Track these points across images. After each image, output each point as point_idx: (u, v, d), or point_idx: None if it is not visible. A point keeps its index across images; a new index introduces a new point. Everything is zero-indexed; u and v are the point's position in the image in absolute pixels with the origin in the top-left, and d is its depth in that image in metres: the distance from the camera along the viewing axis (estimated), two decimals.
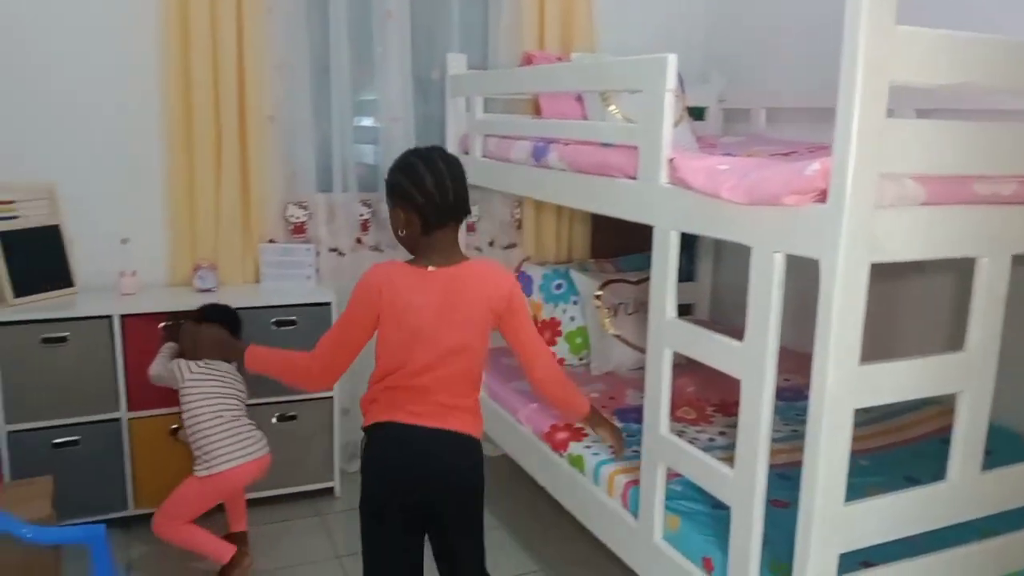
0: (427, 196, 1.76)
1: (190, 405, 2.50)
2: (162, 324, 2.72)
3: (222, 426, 2.50)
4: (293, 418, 3.02)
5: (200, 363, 2.54)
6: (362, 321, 1.80)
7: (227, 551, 2.50)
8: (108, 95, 2.94)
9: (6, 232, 2.75)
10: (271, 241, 3.16)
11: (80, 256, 2.95)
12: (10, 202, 2.79)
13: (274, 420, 2.97)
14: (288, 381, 1.92)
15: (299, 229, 3.27)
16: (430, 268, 1.81)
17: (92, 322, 2.74)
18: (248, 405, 2.65)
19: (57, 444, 2.73)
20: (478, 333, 1.84)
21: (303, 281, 3.16)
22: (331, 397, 3.10)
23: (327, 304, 3.04)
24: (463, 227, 1.94)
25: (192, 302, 2.78)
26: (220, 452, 2.47)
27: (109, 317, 2.74)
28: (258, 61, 3.01)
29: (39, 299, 2.79)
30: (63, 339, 2.69)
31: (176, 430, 2.77)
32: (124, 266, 2.93)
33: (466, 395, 1.88)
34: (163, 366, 2.57)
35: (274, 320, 2.92)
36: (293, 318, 2.94)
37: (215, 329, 2.19)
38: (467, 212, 1.85)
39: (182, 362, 2.53)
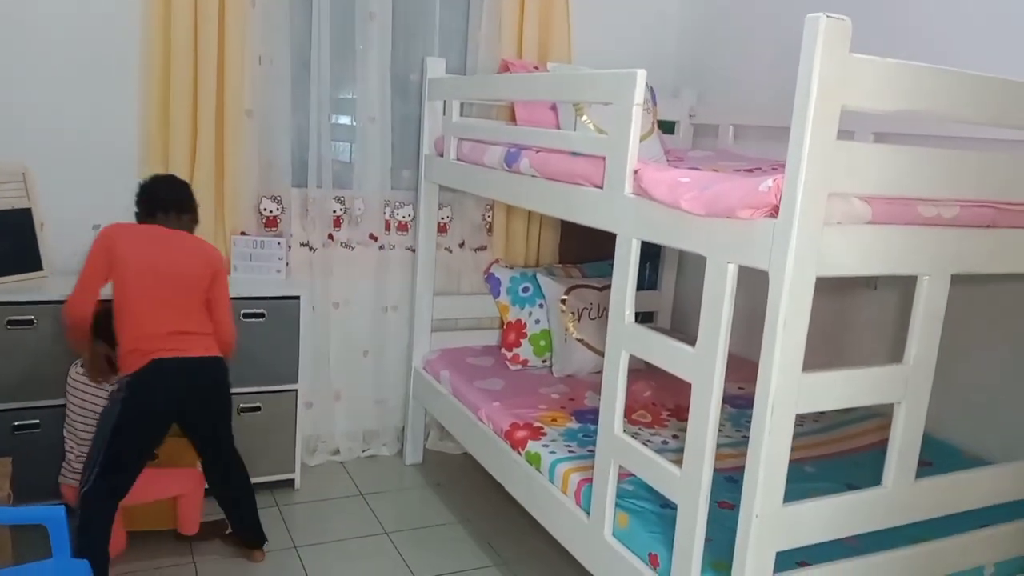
0: (147, 197, 2.53)
1: None
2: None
3: (68, 439, 2.60)
4: (256, 409, 3.05)
5: (77, 372, 2.57)
6: (101, 268, 2.38)
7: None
8: (86, 80, 2.95)
9: None
10: (243, 234, 3.18)
11: (50, 240, 2.96)
12: None
13: (237, 411, 2.99)
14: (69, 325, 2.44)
15: (272, 223, 3.30)
16: (154, 225, 2.47)
17: (59, 306, 2.72)
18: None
19: (17, 427, 2.73)
20: (197, 286, 2.47)
21: (273, 274, 3.19)
22: (295, 390, 3.13)
23: (296, 298, 3.07)
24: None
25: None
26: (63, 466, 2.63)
27: None
28: (239, 54, 3.04)
29: (6, 281, 2.79)
30: (29, 322, 2.70)
31: None
32: None
33: (201, 325, 2.49)
34: None
35: (243, 312, 2.94)
36: (262, 311, 2.97)
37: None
38: (181, 209, 2.55)
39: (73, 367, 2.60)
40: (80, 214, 2.97)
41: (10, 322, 2.67)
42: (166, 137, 3.01)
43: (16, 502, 2.38)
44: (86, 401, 2.53)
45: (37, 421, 2.75)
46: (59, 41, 2.90)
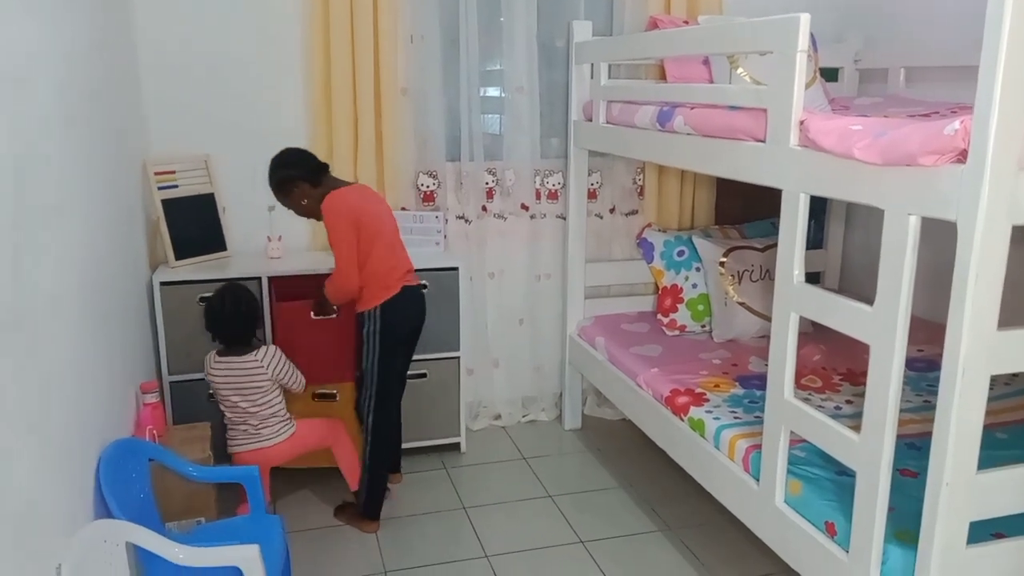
0: (302, 164, 2.67)
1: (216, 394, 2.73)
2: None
3: (236, 419, 2.69)
4: (423, 376, 3.18)
5: (216, 360, 2.66)
6: (354, 240, 2.59)
7: None
8: (256, 75, 3.15)
9: (168, 200, 3.02)
10: (403, 209, 3.30)
11: (231, 222, 3.20)
12: (172, 172, 3.05)
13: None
14: (345, 300, 2.73)
15: (429, 197, 3.40)
16: (355, 185, 2.75)
17: (243, 283, 2.95)
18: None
19: (212, 394, 2.96)
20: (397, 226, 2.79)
21: (432, 247, 3.29)
22: (457, 357, 3.23)
23: (455, 269, 3.16)
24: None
25: (330, 265, 2.95)
26: (231, 437, 2.72)
27: (259, 278, 2.96)
28: (392, 35, 3.14)
29: (197, 261, 3.05)
30: None
31: (317, 394, 2.97)
32: (270, 232, 3.16)
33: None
34: None
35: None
36: (424, 282, 3.07)
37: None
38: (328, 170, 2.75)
39: (209, 355, 2.69)
40: (256, 197, 3.17)
41: (202, 298, 2.90)
42: (329, 120, 3.16)
43: (214, 463, 2.61)
44: (230, 377, 2.66)
45: None
46: (229, 38, 3.10)
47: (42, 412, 1.60)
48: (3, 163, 1.48)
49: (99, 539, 1.76)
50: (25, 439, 1.49)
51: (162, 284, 2.87)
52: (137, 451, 2.18)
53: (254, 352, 2.65)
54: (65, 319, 1.80)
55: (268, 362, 2.65)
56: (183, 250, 3.03)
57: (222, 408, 2.70)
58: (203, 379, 2.92)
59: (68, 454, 1.76)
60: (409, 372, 2.99)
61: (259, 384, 2.66)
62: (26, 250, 1.56)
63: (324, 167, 2.72)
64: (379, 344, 2.69)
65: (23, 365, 1.50)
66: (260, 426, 2.70)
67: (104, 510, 1.89)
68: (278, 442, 2.72)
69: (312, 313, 2.87)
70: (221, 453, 2.74)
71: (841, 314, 1.79)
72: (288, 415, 2.76)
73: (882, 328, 1.65)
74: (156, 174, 3.00)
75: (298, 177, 2.64)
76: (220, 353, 2.67)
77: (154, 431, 2.44)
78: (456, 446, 3.36)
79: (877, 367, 1.67)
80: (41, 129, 1.73)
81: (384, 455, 2.81)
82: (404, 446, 3.15)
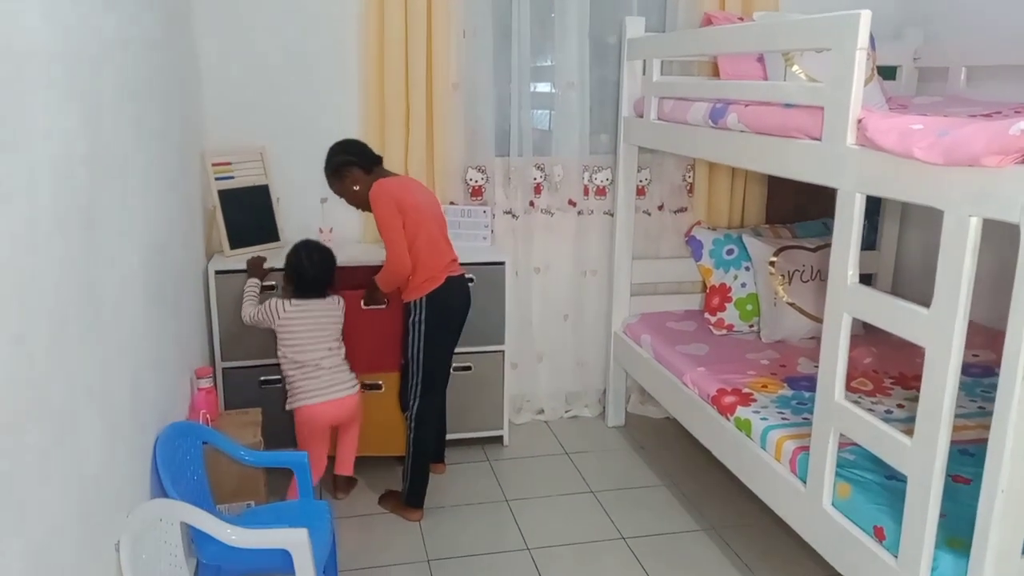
0: (359, 153, 2.77)
1: (283, 343, 2.75)
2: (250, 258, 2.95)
3: (310, 364, 2.74)
4: (468, 369, 3.20)
5: (292, 302, 2.73)
6: (400, 225, 2.64)
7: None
8: (311, 70, 3.20)
9: (224, 191, 3.08)
10: (452, 203, 3.32)
11: (285, 213, 3.25)
12: (227, 164, 3.12)
13: (452, 370, 3.14)
14: (397, 285, 2.76)
15: (477, 192, 3.42)
16: (401, 176, 2.87)
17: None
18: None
19: (264, 381, 3.04)
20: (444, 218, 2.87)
21: (479, 241, 3.32)
22: (502, 351, 3.25)
23: (501, 263, 3.18)
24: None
25: (380, 258, 2.99)
26: (302, 389, 2.75)
27: None
28: (445, 30, 3.16)
29: (251, 251, 3.10)
30: (271, 287, 2.98)
31: (364, 385, 3.00)
32: (323, 223, 3.21)
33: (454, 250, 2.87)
34: (256, 310, 2.78)
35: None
36: (471, 276, 3.09)
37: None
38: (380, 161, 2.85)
39: (275, 302, 2.74)
40: (309, 189, 3.23)
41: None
42: (382, 113, 3.20)
43: (265, 448, 2.66)
44: (308, 318, 2.74)
45: (278, 377, 3.04)
46: (286, 33, 3.16)
47: (105, 394, 1.66)
48: (77, 150, 1.53)
49: (155, 518, 1.82)
50: (89, 420, 1.55)
51: (217, 272, 2.94)
52: (192, 434, 2.24)
53: (332, 296, 2.80)
54: (128, 303, 1.86)
55: (343, 309, 2.81)
56: (238, 239, 3.09)
57: (288, 357, 2.76)
58: (255, 366, 3.00)
59: (127, 435, 1.82)
60: (454, 365, 3.01)
61: (337, 324, 2.79)
62: (95, 234, 1.61)
63: (379, 159, 2.82)
64: (424, 333, 2.74)
65: (90, 348, 1.56)
66: (333, 370, 2.77)
67: (160, 490, 1.95)
68: (348, 394, 2.79)
69: (363, 303, 2.92)
70: (272, 438, 2.79)
71: (896, 316, 1.76)
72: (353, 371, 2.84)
73: (939, 331, 1.62)
74: (213, 165, 3.07)
75: (353, 163, 2.75)
76: (296, 298, 2.75)
77: (207, 415, 2.51)
78: (499, 439, 3.38)
79: (932, 371, 1.64)
80: (109, 118, 1.78)
81: (427, 444, 2.84)
82: (448, 437, 3.19)
